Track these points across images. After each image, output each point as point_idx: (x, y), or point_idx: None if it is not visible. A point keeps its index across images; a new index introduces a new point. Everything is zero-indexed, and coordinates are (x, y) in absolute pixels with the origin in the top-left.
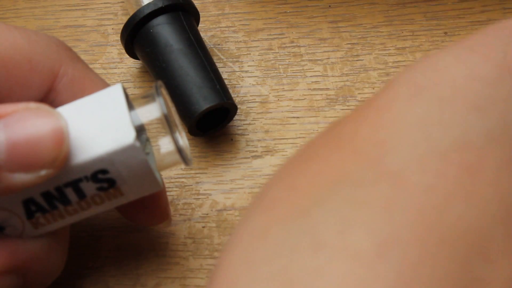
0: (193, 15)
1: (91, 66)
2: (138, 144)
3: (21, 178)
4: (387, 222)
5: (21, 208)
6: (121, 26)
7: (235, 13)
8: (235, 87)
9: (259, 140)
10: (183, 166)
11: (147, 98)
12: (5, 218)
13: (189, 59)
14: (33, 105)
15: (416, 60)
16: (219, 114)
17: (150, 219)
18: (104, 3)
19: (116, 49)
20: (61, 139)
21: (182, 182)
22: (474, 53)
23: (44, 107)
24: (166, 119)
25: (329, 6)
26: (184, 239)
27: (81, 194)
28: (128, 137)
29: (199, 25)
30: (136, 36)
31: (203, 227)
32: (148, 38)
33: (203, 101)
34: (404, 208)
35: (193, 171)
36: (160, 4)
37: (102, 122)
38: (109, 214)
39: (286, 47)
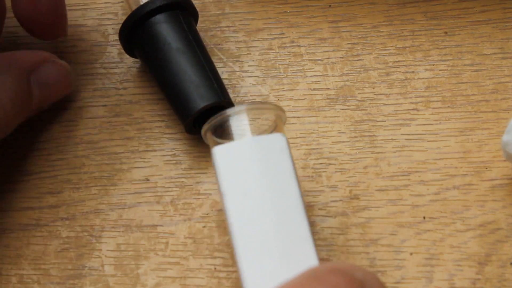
0: (191, 14)
1: (91, 65)
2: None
3: None
4: None
5: None
6: None
7: (235, 13)
8: (235, 87)
9: None
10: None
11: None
12: None
13: (187, 58)
14: None
15: None
16: (217, 113)
17: (49, 34)
18: (104, 3)
19: (116, 49)
20: None
21: (182, 182)
22: None
23: None
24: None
25: (329, 6)
26: (184, 239)
27: None
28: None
29: (199, 25)
30: (134, 35)
31: (203, 227)
32: (147, 37)
33: (200, 100)
34: None
35: (193, 171)
36: (158, 3)
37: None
38: (109, 214)
39: (286, 47)
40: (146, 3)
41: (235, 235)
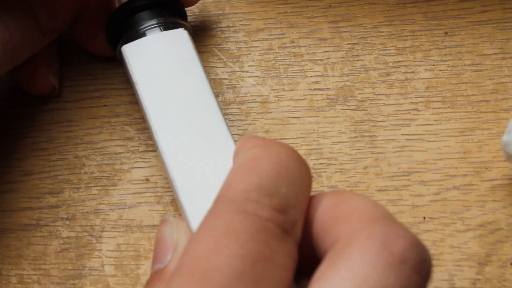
0: (178, 14)
1: (91, 65)
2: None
3: None
4: None
5: None
6: None
7: (235, 13)
8: (235, 87)
9: None
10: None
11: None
12: None
13: None
14: None
15: None
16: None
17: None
18: None
19: None
20: None
21: None
22: None
23: None
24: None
25: (330, 6)
26: None
27: None
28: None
29: (199, 25)
30: (120, 31)
31: None
32: (131, 34)
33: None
34: None
35: None
36: (143, 1)
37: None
38: (109, 214)
39: (286, 47)
40: (130, 0)
41: (150, 117)
